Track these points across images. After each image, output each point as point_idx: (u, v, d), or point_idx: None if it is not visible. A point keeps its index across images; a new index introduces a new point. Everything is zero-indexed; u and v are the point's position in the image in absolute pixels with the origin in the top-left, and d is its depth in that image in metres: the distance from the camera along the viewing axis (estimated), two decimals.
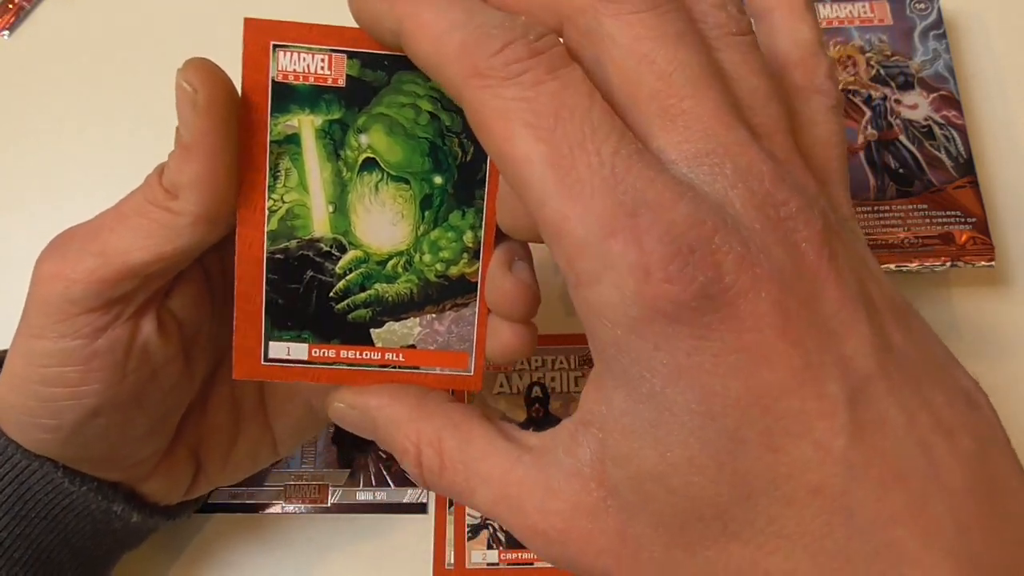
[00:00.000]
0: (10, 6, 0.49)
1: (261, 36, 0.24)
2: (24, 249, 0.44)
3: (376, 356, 0.27)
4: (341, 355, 0.26)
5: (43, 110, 0.47)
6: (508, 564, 0.37)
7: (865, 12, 0.46)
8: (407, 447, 0.25)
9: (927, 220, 0.40)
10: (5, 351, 0.30)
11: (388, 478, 0.39)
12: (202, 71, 0.24)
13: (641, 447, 0.20)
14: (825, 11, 0.46)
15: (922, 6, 0.46)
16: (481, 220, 0.26)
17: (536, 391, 0.40)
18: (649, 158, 0.19)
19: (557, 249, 0.20)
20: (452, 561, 0.37)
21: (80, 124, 0.47)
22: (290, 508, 0.38)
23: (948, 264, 0.39)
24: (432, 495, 0.39)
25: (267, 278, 0.26)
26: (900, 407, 0.19)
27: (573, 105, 0.19)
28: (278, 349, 0.26)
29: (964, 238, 0.39)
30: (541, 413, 0.40)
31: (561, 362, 0.41)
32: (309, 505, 0.39)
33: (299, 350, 0.26)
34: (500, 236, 0.26)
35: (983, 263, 0.39)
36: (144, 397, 0.28)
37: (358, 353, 0.27)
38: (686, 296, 0.18)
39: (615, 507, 0.21)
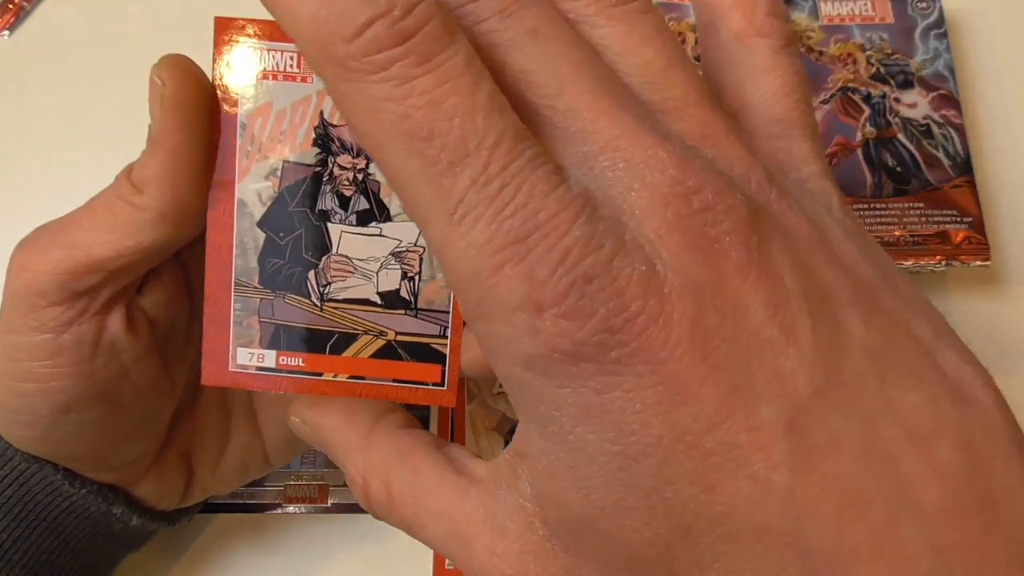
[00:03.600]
0: (10, 6, 0.49)
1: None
2: None
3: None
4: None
5: (43, 110, 0.48)
6: None
7: (866, 10, 0.46)
8: (355, 477, 0.24)
9: (923, 219, 0.40)
10: None
11: None
12: (173, 66, 0.24)
13: (564, 490, 0.18)
14: (827, 8, 0.46)
15: (924, 5, 0.45)
16: None
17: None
18: (545, 168, 0.16)
19: (447, 277, 0.17)
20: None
21: (80, 124, 0.47)
22: (290, 508, 0.39)
23: (943, 263, 0.39)
24: None
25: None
26: (856, 420, 0.16)
27: (454, 105, 0.16)
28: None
29: (960, 237, 0.39)
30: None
31: None
32: (309, 505, 0.39)
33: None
34: None
35: (978, 263, 0.39)
36: (118, 395, 0.27)
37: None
38: (586, 333, 0.16)
39: (560, 548, 0.19)
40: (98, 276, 0.25)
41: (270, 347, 0.26)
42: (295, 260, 0.26)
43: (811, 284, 0.17)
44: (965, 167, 0.41)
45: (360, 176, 0.25)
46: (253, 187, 0.25)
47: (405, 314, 0.26)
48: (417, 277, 0.26)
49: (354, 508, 0.39)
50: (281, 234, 0.26)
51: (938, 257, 0.39)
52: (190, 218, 0.25)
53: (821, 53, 0.44)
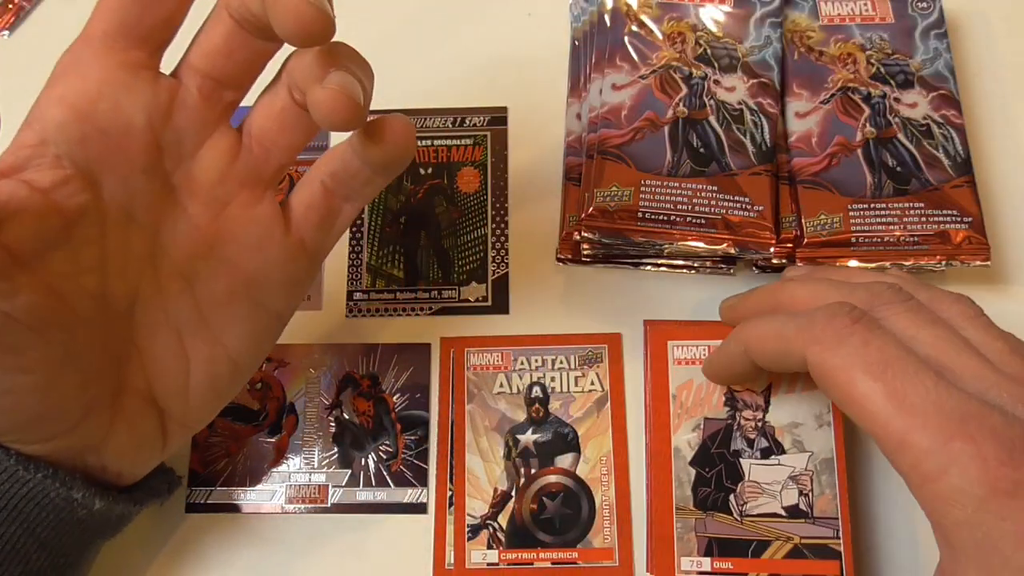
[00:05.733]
0: (10, 6, 0.49)
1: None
2: None
3: None
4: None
5: None
6: (508, 564, 0.38)
7: (867, 10, 0.46)
8: None
9: (923, 219, 0.40)
10: None
11: (388, 478, 0.39)
12: None
13: None
14: (826, 8, 0.46)
15: (924, 5, 0.45)
16: None
17: (536, 391, 0.40)
18: (954, 386, 0.27)
19: (901, 457, 0.27)
20: (452, 561, 0.38)
21: None
22: (290, 508, 0.39)
23: (943, 263, 0.39)
24: (432, 494, 0.39)
25: None
26: None
27: (895, 354, 0.28)
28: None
29: (960, 237, 0.39)
30: (541, 413, 0.40)
31: (561, 362, 0.41)
32: (309, 505, 0.39)
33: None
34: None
35: (978, 263, 0.39)
36: (10, 344, 0.26)
37: None
38: (1019, 475, 0.25)
39: None
40: None
41: (706, 555, 0.35)
42: (719, 487, 0.35)
43: None
44: (965, 167, 0.41)
45: (760, 424, 0.36)
46: (684, 438, 0.36)
47: (805, 522, 0.35)
48: (811, 494, 0.35)
49: (354, 508, 0.39)
50: (707, 469, 0.36)
51: (938, 257, 0.39)
52: None
53: (821, 53, 0.44)
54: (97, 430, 0.30)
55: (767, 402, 0.36)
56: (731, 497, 0.35)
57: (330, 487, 0.39)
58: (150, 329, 0.30)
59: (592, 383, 0.40)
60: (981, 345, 0.29)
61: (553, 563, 0.38)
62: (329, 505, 0.39)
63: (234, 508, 0.39)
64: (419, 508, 0.39)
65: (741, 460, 0.36)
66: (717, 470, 0.36)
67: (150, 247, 0.30)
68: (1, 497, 0.29)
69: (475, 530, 0.38)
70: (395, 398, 0.41)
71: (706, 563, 0.35)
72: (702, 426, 0.36)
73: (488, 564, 0.38)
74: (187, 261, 0.30)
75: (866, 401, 0.27)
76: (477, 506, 0.38)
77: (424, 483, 0.39)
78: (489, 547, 0.38)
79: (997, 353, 0.29)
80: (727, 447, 0.36)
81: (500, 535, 0.38)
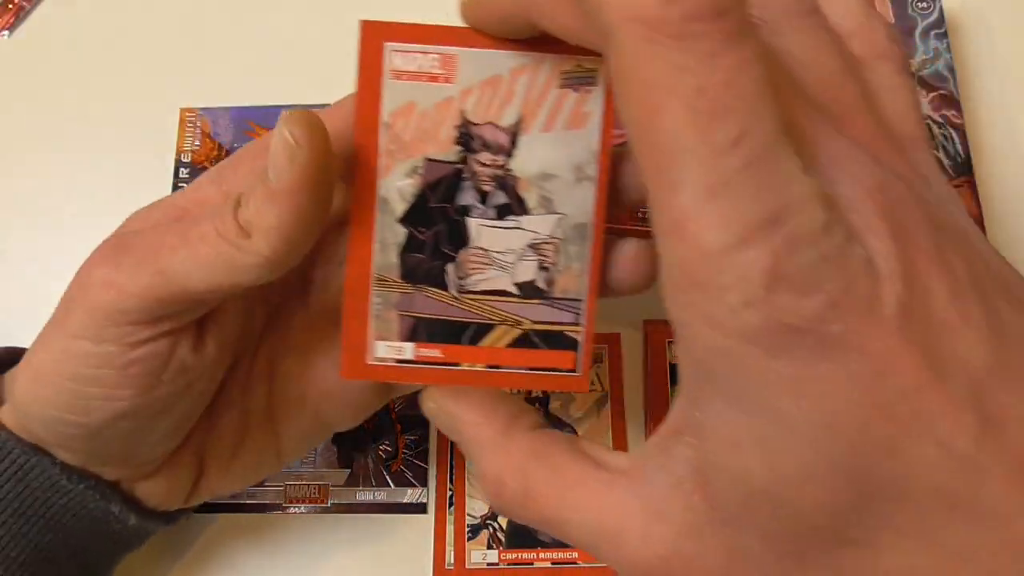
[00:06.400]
0: (10, 6, 0.49)
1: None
2: (24, 248, 0.44)
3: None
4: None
5: (42, 110, 0.48)
6: (508, 564, 0.38)
7: None
8: (489, 475, 0.24)
9: None
10: (16, 348, 0.30)
11: (388, 478, 0.39)
12: (309, 127, 0.24)
13: (747, 461, 0.18)
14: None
15: (924, 5, 0.45)
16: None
17: (536, 391, 0.40)
18: (797, 159, 0.17)
19: (672, 244, 0.17)
20: (452, 561, 0.38)
21: (80, 125, 0.47)
22: (290, 508, 0.39)
23: None
24: (432, 494, 0.39)
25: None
26: (1018, 396, 0.18)
27: (744, 91, 0.17)
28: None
29: None
30: (541, 413, 0.40)
31: None
32: (309, 505, 0.39)
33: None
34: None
35: None
36: (174, 407, 0.28)
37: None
38: (815, 307, 0.17)
39: (720, 521, 0.20)
40: (187, 305, 0.26)
41: (409, 339, 0.27)
42: (435, 254, 0.26)
43: (973, 275, 0.18)
44: (965, 167, 0.41)
45: (500, 172, 0.26)
46: (395, 184, 0.26)
47: (540, 303, 0.27)
48: (552, 267, 0.27)
49: (354, 508, 0.39)
50: (422, 229, 0.26)
51: None
52: (293, 263, 0.25)
53: None
54: (148, 470, 0.31)
55: (513, 143, 0.26)
56: (449, 267, 0.26)
57: (330, 487, 0.39)
58: (228, 402, 0.32)
59: (592, 383, 0.40)
60: (805, 63, 0.20)
61: (553, 563, 0.38)
62: (329, 505, 0.39)
63: (234, 508, 0.39)
64: (419, 508, 0.39)
65: (468, 219, 0.26)
66: (435, 231, 0.26)
67: (261, 325, 0.32)
68: (41, 505, 0.29)
69: (475, 530, 0.38)
70: (395, 398, 0.41)
71: (408, 349, 0.27)
72: (422, 170, 0.26)
73: (488, 564, 0.38)
74: (282, 351, 0.32)
75: (665, 151, 0.17)
76: (477, 506, 0.38)
77: (424, 483, 0.39)
78: (489, 547, 0.38)
79: (822, 76, 0.21)
80: (451, 201, 0.26)
81: (500, 535, 0.38)
